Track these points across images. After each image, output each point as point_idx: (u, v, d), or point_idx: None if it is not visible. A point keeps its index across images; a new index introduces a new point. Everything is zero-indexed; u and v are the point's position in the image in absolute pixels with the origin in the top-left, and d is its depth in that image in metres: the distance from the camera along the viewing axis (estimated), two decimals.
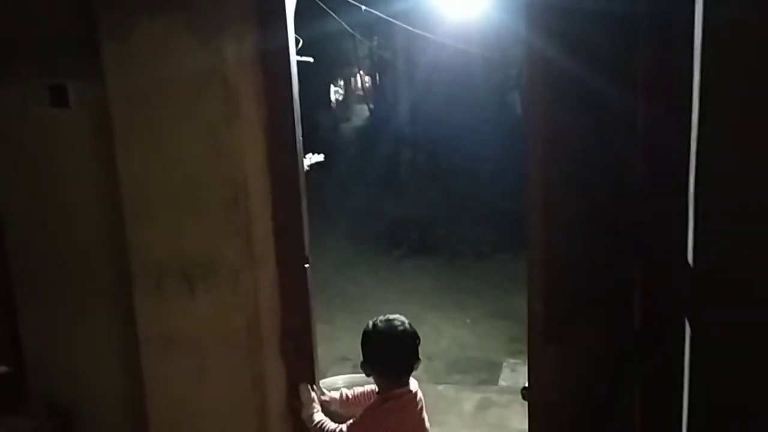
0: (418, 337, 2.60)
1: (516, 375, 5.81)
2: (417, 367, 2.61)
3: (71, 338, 2.50)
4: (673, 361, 1.96)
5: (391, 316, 2.60)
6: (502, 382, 5.69)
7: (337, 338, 6.21)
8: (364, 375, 5.48)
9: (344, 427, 2.49)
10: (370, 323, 2.58)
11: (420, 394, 2.60)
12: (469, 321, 6.91)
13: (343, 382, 5.36)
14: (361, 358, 2.61)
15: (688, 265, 1.99)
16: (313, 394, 2.51)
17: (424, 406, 2.61)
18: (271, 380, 2.45)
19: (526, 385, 1.74)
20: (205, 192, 2.30)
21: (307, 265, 2.54)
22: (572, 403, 1.42)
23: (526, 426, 4.93)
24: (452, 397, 5.40)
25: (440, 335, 6.63)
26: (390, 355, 2.55)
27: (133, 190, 2.34)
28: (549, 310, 1.44)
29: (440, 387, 5.57)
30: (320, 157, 3.48)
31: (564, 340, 1.41)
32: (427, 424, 2.64)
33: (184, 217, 2.31)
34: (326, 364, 5.69)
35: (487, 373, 5.84)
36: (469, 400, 5.28)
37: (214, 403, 2.39)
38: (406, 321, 2.60)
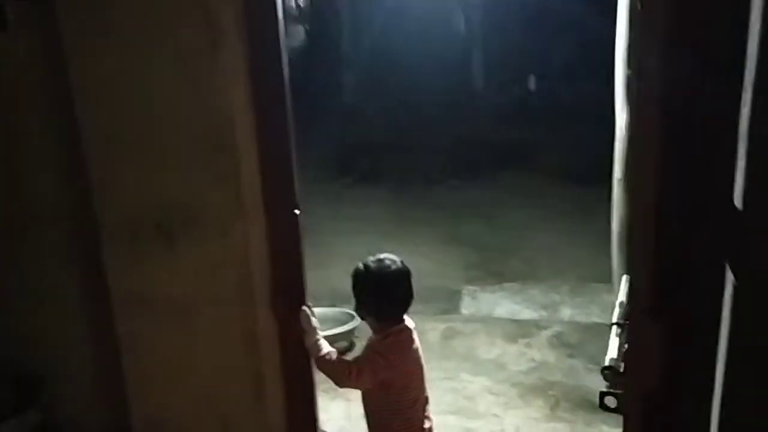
0: (410, 274, 2.48)
1: (476, 302, 5.70)
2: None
3: (35, 299, 2.12)
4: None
5: (381, 256, 2.50)
6: (463, 311, 5.57)
7: None
8: (333, 308, 5.30)
9: (351, 361, 2.39)
10: (361, 265, 2.46)
11: (415, 333, 2.48)
12: (425, 249, 6.73)
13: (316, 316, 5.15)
14: (354, 302, 2.49)
15: (734, 209, 1.78)
16: (315, 320, 2.30)
17: (419, 345, 2.50)
18: (265, 339, 2.17)
19: (609, 363, 1.52)
20: (186, 131, 1.93)
21: (297, 212, 2.22)
22: (674, 387, 1.21)
23: (492, 355, 4.88)
24: (416, 328, 5.24)
25: None
26: (386, 296, 2.46)
27: (96, 129, 1.95)
28: (657, 281, 1.21)
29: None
30: None
31: (671, 316, 1.19)
32: (423, 362, 2.55)
33: (161, 161, 1.95)
34: None
35: (447, 302, 5.70)
36: (434, 330, 5.13)
37: (204, 368, 2.10)
38: (397, 259, 2.50)
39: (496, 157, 8.98)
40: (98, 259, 2.00)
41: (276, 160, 2.13)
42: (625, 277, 1.61)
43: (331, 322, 4.97)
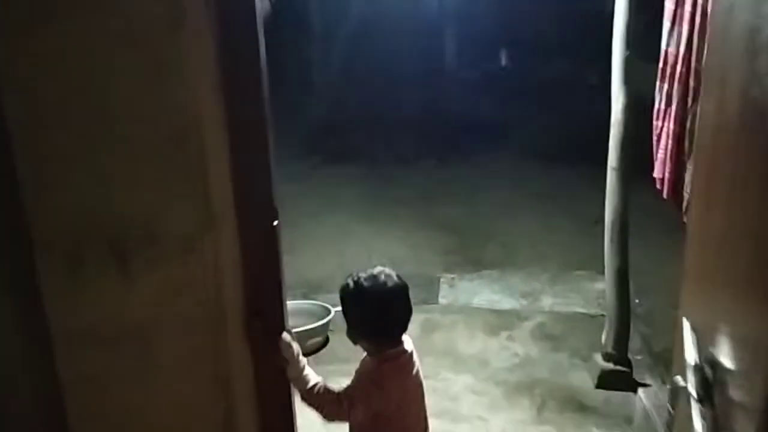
0: (408, 289, 2.16)
1: (455, 291, 5.43)
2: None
3: None
4: None
5: (375, 271, 2.16)
6: (442, 300, 5.29)
7: None
8: (307, 302, 4.95)
9: (341, 392, 2.06)
10: (351, 282, 2.11)
11: (415, 354, 2.17)
12: (400, 233, 6.42)
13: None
14: (345, 325, 2.15)
15: None
16: (297, 347, 1.97)
17: (419, 367, 2.19)
18: (238, 370, 1.82)
19: None
20: (142, 130, 1.55)
21: (275, 222, 1.88)
22: None
23: (474, 350, 4.60)
24: None
25: (371, 250, 6.11)
26: (381, 316, 2.14)
27: (29, 128, 1.55)
28: None
29: None
30: None
31: None
32: (425, 387, 2.26)
33: (111, 166, 1.57)
34: None
35: (425, 291, 5.41)
36: (412, 322, 4.79)
37: (165, 408, 1.74)
38: (393, 273, 2.16)
39: (470, 136, 8.68)
40: (35, 285, 1.62)
41: (251, 162, 1.77)
42: (687, 324, 1.30)
43: (304, 315, 4.65)
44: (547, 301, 5.22)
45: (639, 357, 4.34)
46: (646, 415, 3.31)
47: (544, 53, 10.22)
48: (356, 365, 2.19)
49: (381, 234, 6.40)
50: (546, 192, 7.16)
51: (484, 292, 5.38)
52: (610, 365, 4.00)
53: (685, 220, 3.49)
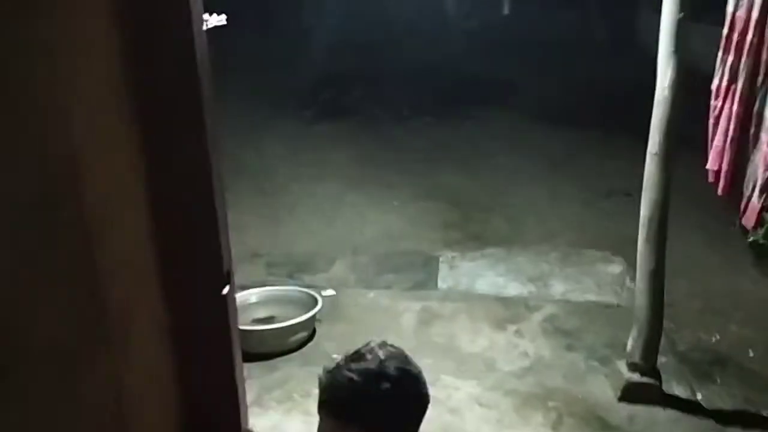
0: (419, 378, 1.38)
1: (456, 273, 4.78)
2: None
3: None
4: None
5: (368, 354, 1.34)
6: (441, 284, 4.65)
7: (244, 227, 4.84)
8: (294, 288, 4.27)
9: None
10: (345, 378, 1.33)
11: None
12: (396, 203, 5.74)
13: (258, 298, 4.16)
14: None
15: None
16: None
17: None
18: None
19: None
20: None
21: (226, 289, 1.20)
22: None
23: (478, 348, 3.96)
24: (388, 308, 4.30)
25: (365, 221, 5.45)
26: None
27: None
28: None
29: (372, 294, 4.46)
30: (221, 19, 2.26)
31: None
32: None
33: None
34: (233, 263, 4.47)
35: (423, 272, 4.78)
36: (408, 311, 4.21)
37: None
38: (395, 350, 1.38)
39: (471, 92, 7.91)
40: None
41: (187, 205, 1.09)
42: None
43: (289, 304, 4.02)
44: (557, 288, 4.60)
45: (663, 359, 3.76)
46: None
47: (550, 2, 9.39)
48: None
49: (375, 203, 5.73)
50: (551, 158, 6.47)
51: (488, 275, 4.74)
52: (636, 376, 3.41)
53: (744, 222, 2.86)
